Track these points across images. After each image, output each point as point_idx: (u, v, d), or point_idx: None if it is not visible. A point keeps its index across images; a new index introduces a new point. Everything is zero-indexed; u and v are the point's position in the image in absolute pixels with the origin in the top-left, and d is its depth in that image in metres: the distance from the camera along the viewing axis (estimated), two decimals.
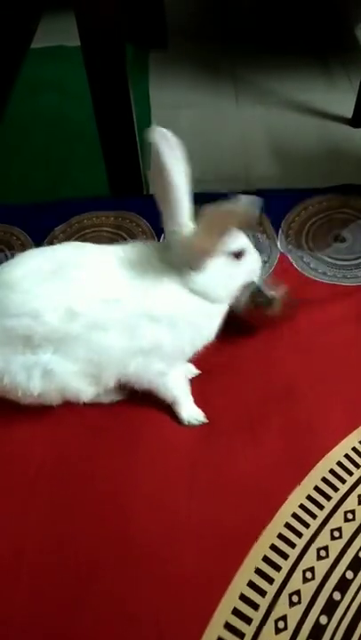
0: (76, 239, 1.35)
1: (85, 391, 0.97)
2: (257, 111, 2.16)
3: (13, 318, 0.88)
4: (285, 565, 0.91)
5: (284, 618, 0.86)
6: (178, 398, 1.04)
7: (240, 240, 0.92)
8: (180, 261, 0.91)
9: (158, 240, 1.37)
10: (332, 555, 0.91)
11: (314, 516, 0.95)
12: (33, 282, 0.89)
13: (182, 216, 0.89)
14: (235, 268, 0.93)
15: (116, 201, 1.46)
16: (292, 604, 0.87)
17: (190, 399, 1.06)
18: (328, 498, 0.97)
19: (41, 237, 1.37)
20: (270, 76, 2.31)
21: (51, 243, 1.35)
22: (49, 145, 1.95)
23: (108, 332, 0.90)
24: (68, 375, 0.93)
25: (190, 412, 1.06)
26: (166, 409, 1.06)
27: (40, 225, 1.39)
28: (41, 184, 1.78)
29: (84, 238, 1.36)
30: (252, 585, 0.89)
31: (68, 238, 1.36)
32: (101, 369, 0.94)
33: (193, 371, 1.11)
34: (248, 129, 2.09)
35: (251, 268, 0.97)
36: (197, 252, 0.89)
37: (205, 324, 0.97)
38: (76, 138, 1.82)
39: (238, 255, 0.92)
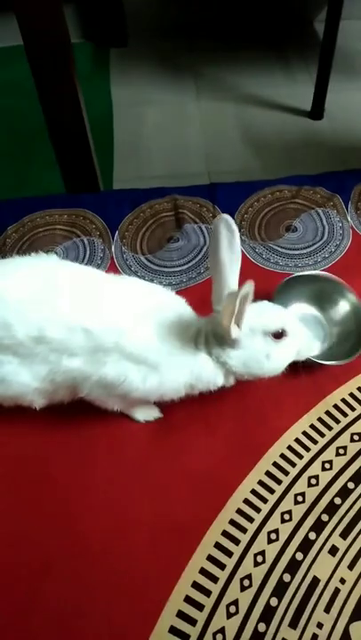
0: (29, 239, 1.35)
1: (39, 402, 0.97)
2: (218, 106, 2.17)
3: None
4: (237, 550, 0.92)
5: (235, 602, 0.88)
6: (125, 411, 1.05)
7: (279, 320, 0.90)
8: (217, 337, 0.91)
9: (112, 237, 1.38)
10: (283, 537, 0.93)
11: (265, 501, 0.97)
12: (15, 294, 0.88)
13: (227, 287, 0.91)
14: (273, 348, 0.90)
15: (69, 198, 1.46)
16: (243, 588, 0.89)
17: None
18: (279, 482, 0.99)
19: None
20: (231, 70, 2.32)
21: (3, 243, 1.34)
22: (8, 145, 1.94)
23: (74, 358, 0.89)
24: (26, 389, 0.92)
25: (145, 413, 1.06)
26: None
27: None
28: (0, 184, 1.78)
29: (36, 237, 1.35)
30: (204, 572, 0.90)
31: (20, 238, 1.35)
32: (60, 388, 0.94)
33: (154, 414, 1.08)
34: (209, 124, 2.10)
35: (292, 349, 0.93)
36: (223, 329, 0.87)
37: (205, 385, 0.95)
38: (35, 138, 1.81)
39: (277, 336, 0.90)
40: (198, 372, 0.91)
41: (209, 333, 0.91)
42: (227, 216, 0.89)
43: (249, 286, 0.79)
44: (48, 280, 0.91)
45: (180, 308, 0.97)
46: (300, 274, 1.20)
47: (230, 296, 0.81)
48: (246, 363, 0.91)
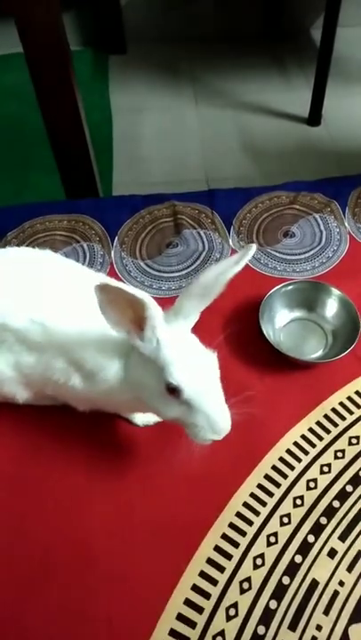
0: (29, 244, 1.36)
1: (21, 394, 0.99)
2: (216, 113, 2.19)
3: None
4: (236, 553, 0.92)
5: (235, 605, 0.88)
6: (121, 414, 1.05)
7: (179, 376, 0.77)
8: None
9: (111, 242, 1.39)
10: (282, 540, 0.94)
11: (264, 504, 0.97)
12: None
13: (179, 307, 0.81)
14: (159, 394, 0.80)
15: (69, 204, 1.47)
16: (242, 590, 0.89)
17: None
18: (278, 485, 0.99)
19: None
20: (229, 77, 2.34)
21: (3, 247, 1.34)
22: (9, 152, 1.96)
23: (30, 354, 0.91)
24: (3, 377, 0.94)
25: (143, 417, 1.06)
26: None
27: None
28: (1, 190, 1.79)
29: (36, 243, 1.36)
30: (203, 575, 0.90)
31: (20, 243, 1.36)
32: (30, 381, 0.95)
33: (153, 419, 1.06)
34: (207, 130, 2.12)
35: (171, 414, 0.82)
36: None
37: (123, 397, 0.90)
38: (35, 144, 1.83)
39: (171, 390, 0.78)
40: (114, 375, 0.86)
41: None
42: (251, 247, 0.80)
43: (146, 298, 0.73)
44: (25, 270, 0.93)
45: None
46: (280, 286, 1.21)
47: (143, 302, 0.73)
48: (134, 377, 0.84)
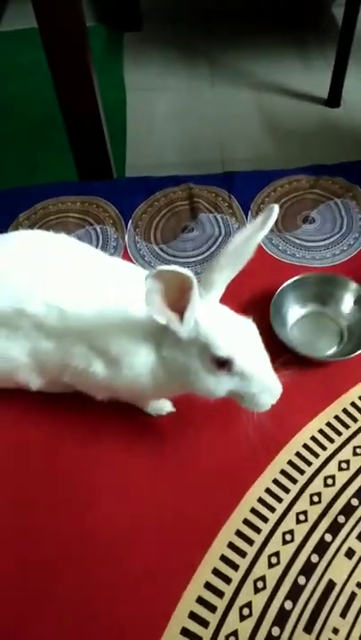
0: (41, 226, 1.32)
1: (35, 382, 0.96)
2: (233, 92, 2.13)
3: None
4: (251, 551, 0.90)
5: (248, 604, 0.85)
6: (135, 402, 1.02)
7: (229, 349, 0.77)
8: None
9: (125, 226, 1.35)
10: (298, 539, 0.91)
11: (280, 500, 0.94)
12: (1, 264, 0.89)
13: (208, 282, 0.79)
14: (203, 369, 0.79)
15: (82, 185, 1.43)
16: (257, 590, 0.87)
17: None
18: (294, 481, 0.96)
19: (5, 224, 1.33)
20: (246, 56, 2.28)
21: (15, 229, 1.32)
22: (20, 131, 1.91)
23: (48, 340, 0.88)
24: (16, 363, 0.92)
25: (155, 407, 1.03)
26: None
27: (3, 211, 1.36)
28: (13, 170, 1.75)
29: (49, 224, 1.33)
30: (217, 573, 0.88)
31: (32, 225, 1.33)
32: (47, 368, 0.93)
33: (165, 409, 1.03)
34: (224, 111, 2.07)
35: (226, 387, 0.80)
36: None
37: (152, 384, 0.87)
38: (48, 123, 1.79)
39: (218, 363, 0.77)
40: (143, 363, 0.84)
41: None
42: (273, 207, 0.77)
43: (188, 273, 0.69)
44: (39, 253, 0.91)
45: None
46: (291, 281, 1.15)
47: (158, 272, 0.69)
48: (174, 362, 0.81)
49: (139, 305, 0.79)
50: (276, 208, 0.78)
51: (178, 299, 0.73)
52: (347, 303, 1.15)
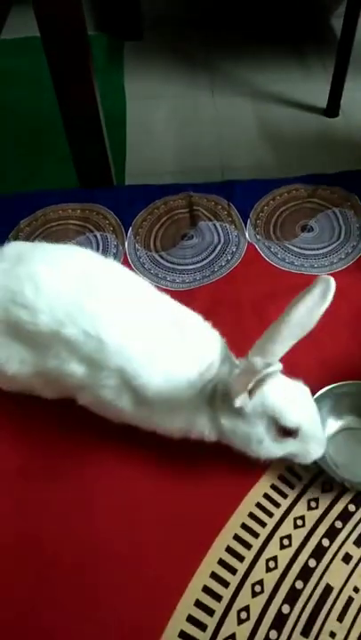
0: (41, 232, 1.34)
1: (49, 393, 0.97)
2: (232, 102, 2.14)
3: (16, 306, 0.88)
4: (249, 555, 0.91)
5: (246, 608, 0.86)
6: None
7: (299, 419, 0.82)
8: (225, 393, 0.83)
9: (125, 233, 1.36)
10: (295, 543, 0.91)
11: (278, 505, 0.95)
12: (49, 282, 0.88)
13: (269, 352, 0.79)
14: (269, 439, 0.84)
15: (83, 193, 1.45)
16: (254, 593, 0.87)
17: None
18: (292, 486, 0.97)
19: (6, 231, 1.34)
20: (246, 66, 2.29)
21: (16, 236, 1.33)
22: (20, 138, 1.93)
23: (80, 365, 0.87)
24: (34, 375, 0.92)
25: None
26: None
27: (4, 218, 1.37)
28: (12, 177, 1.77)
29: (49, 232, 1.34)
30: (215, 576, 0.88)
31: (33, 231, 1.34)
32: (64, 387, 0.92)
33: None
34: (223, 119, 2.08)
35: (288, 449, 0.85)
36: (231, 392, 0.80)
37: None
38: (48, 130, 1.80)
39: (285, 432, 0.82)
40: (192, 423, 0.87)
41: (221, 383, 0.84)
42: (329, 279, 0.78)
43: (277, 367, 0.75)
44: (85, 275, 0.89)
45: (208, 346, 0.88)
46: (325, 391, 1.00)
47: (252, 367, 0.74)
48: (236, 432, 0.85)
49: (193, 363, 0.85)
50: (332, 280, 0.78)
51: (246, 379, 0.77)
52: None
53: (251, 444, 0.85)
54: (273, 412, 0.81)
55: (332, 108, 2.05)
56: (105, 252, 1.31)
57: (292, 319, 0.78)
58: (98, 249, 1.32)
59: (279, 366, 0.76)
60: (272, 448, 0.85)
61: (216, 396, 0.84)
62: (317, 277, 0.79)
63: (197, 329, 0.90)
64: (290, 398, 0.82)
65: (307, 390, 0.86)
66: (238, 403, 0.79)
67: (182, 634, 0.83)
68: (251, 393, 0.79)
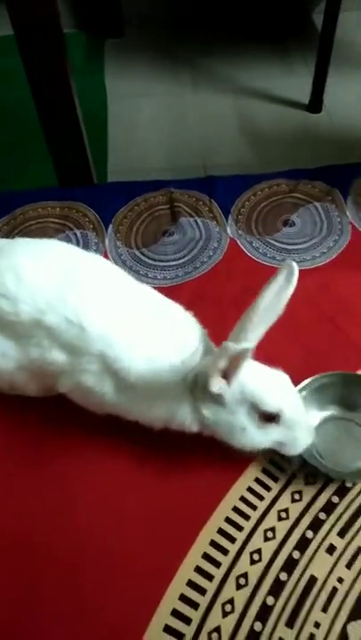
0: (20, 231, 1.33)
1: (31, 388, 0.97)
2: (215, 98, 2.14)
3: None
4: (233, 549, 0.91)
5: (231, 601, 0.86)
6: None
7: (278, 403, 0.82)
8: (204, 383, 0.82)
9: (106, 230, 1.36)
10: (279, 536, 0.92)
11: (261, 498, 0.95)
12: (30, 273, 0.88)
13: (242, 339, 0.81)
14: (252, 426, 0.84)
15: (62, 191, 1.44)
16: (239, 586, 0.87)
17: None
18: (275, 479, 0.97)
19: None
20: (228, 62, 2.29)
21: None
22: (2, 136, 1.91)
23: (62, 352, 0.88)
24: (16, 369, 0.92)
25: None
26: None
27: None
28: None
29: (28, 230, 1.33)
30: (199, 570, 0.88)
31: (11, 230, 1.33)
32: (47, 377, 0.92)
33: None
34: (206, 116, 2.08)
35: (274, 437, 0.85)
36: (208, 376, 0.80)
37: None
38: (29, 129, 1.79)
39: (267, 418, 0.82)
40: (174, 412, 0.87)
41: (201, 374, 0.83)
42: (292, 263, 0.83)
43: (247, 345, 0.75)
44: (66, 267, 0.90)
45: (190, 335, 0.89)
46: (306, 384, 1.01)
47: (224, 350, 0.74)
48: (219, 422, 0.85)
49: (175, 350, 0.86)
50: (295, 265, 0.83)
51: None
52: None
53: (234, 434, 0.85)
54: (253, 397, 0.82)
55: (315, 104, 2.05)
56: (85, 250, 1.29)
57: (260, 305, 0.81)
58: (78, 246, 1.30)
59: (250, 345, 0.77)
60: (256, 436, 0.85)
61: (197, 386, 0.85)
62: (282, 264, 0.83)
63: (179, 317, 0.91)
64: (269, 383, 0.83)
65: (286, 377, 0.86)
66: (214, 387, 0.79)
67: (167, 628, 0.83)
68: (228, 379, 0.79)
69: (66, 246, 1.00)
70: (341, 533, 0.91)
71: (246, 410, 0.83)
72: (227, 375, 0.79)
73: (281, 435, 0.85)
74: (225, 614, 0.85)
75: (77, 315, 0.85)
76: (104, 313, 0.87)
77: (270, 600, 0.86)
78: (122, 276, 0.96)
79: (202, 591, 0.87)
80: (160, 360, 0.85)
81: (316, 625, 0.84)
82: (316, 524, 0.92)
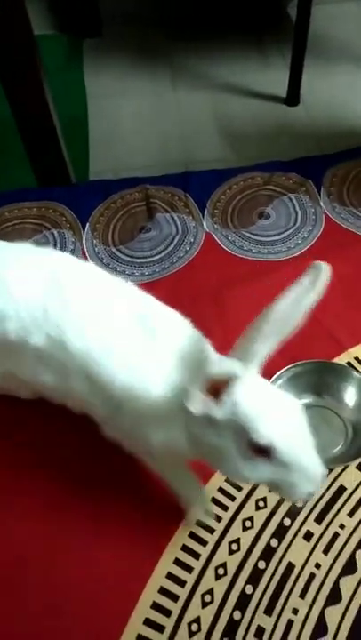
0: None
1: (24, 393, 0.97)
2: (194, 95, 2.14)
3: None
4: (212, 539, 0.91)
5: (210, 591, 0.87)
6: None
7: (271, 435, 0.63)
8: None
9: (82, 229, 1.36)
10: (257, 524, 0.93)
11: (239, 489, 0.96)
12: (18, 287, 0.81)
13: (249, 352, 0.68)
14: (237, 455, 0.66)
15: (39, 191, 1.44)
16: (218, 576, 0.88)
17: None
18: None
19: None
20: (207, 59, 2.29)
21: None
22: None
23: (48, 373, 0.82)
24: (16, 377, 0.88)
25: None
26: None
27: None
28: None
29: (5, 231, 1.34)
30: (178, 562, 0.89)
31: None
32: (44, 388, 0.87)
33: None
34: (186, 113, 2.08)
35: (263, 475, 0.67)
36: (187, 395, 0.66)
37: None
38: (6, 130, 1.79)
39: (256, 450, 0.64)
40: (168, 433, 0.74)
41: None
42: (321, 264, 0.70)
43: (236, 373, 0.64)
44: (51, 278, 0.82)
45: (180, 345, 0.78)
46: (292, 366, 1.02)
47: (209, 368, 0.65)
48: (203, 442, 0.70)
49: (163, 362, 0.75)
50: (326, 266, 0.69)
51: (215, 381, 0.65)
52: (350, 395, 1.03)
53: (221, 461, 0.69)
54: (243, 420, 0.64)
55: (293, 97, 2.06)
56: (62, 249, 1.31)
57: (273, 314, 0.67)
58: (55, 246, 1.32)
59: (242, 371, 0.65)
60: (243, 468, 0.67)
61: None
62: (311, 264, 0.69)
63: (170, 326, 0.81)
64: (266, 407, 0.66)
65: (297, 406, 0.68)
66: (194, 408, 0.64)
67: (147, 621, 0.84)
68: (218, 397, 0.65)
69: (58, 255, 0.91)
70: (318, 519, 0.93)
71: (234, 434, 0.65)
72: (218, 392, 0.65)
73: (273, 474, 0.66)
74: (204, 605, 0.86)
75: (59, 331, 0.78)
76: (85, 327, 0.79)
77: (249, 589, 0.87)
78: (114, 285, 0.87)
79: (181, 583, 0.88)
80: (145, 375, 0.76)
81: (295, 611, 0.85)
82: (293, 512, 0.93)
